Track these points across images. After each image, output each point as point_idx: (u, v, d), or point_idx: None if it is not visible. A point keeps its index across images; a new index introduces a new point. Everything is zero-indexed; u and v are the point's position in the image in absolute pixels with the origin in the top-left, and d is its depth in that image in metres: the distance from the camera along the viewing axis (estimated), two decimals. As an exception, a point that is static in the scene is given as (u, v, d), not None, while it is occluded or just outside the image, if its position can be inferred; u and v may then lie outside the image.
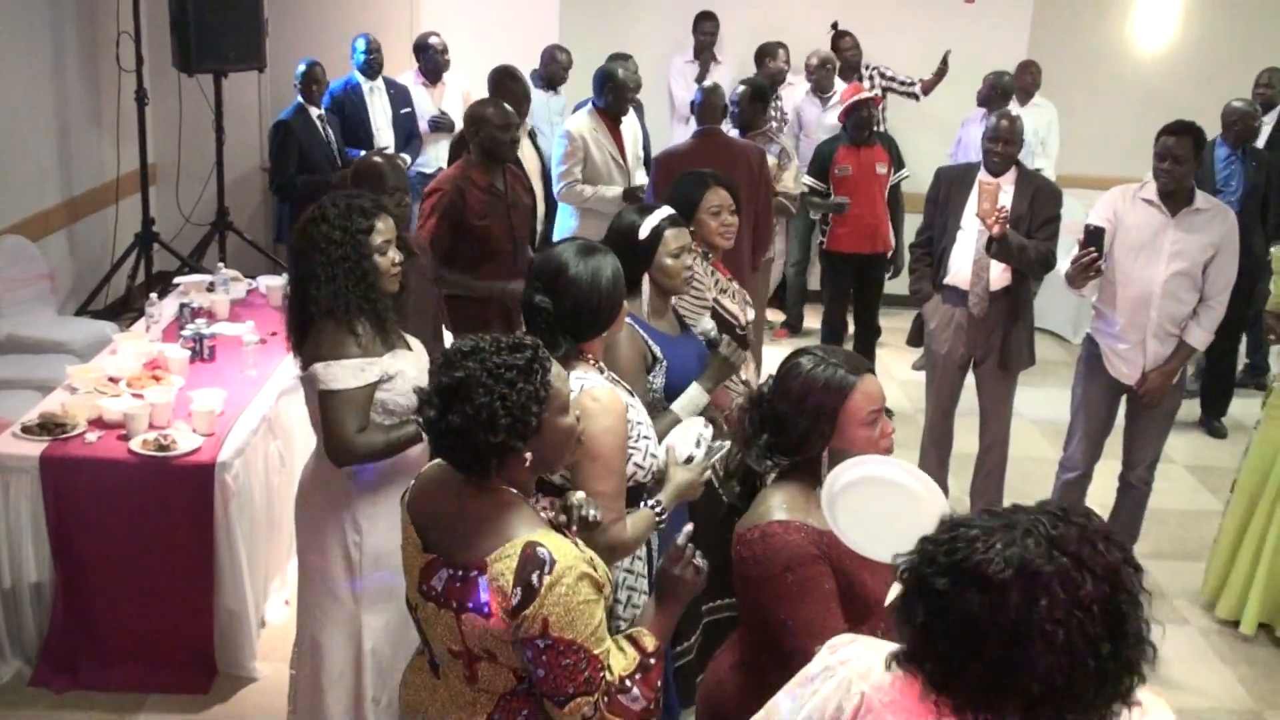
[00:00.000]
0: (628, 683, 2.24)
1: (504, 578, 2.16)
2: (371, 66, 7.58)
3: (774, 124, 7.39)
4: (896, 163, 6.98)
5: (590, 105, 6.66)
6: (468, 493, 2.30)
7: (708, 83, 6.62)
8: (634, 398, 3.10)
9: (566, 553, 2.19)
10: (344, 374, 3.15)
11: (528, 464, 2.27)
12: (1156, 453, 5.13)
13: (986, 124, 5.34)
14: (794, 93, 8.37)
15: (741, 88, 6.72)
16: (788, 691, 1.96)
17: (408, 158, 7.45)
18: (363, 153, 7.04)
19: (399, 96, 7.71)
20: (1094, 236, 4.70)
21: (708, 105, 6.33)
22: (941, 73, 8.06)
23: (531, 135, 6.52)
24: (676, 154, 6.25)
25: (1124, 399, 5.08)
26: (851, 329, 7.37)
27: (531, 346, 2.29)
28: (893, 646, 1.83)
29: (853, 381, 2.51)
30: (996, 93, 7.76)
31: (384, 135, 7.57)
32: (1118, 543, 1.71)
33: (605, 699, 2.22)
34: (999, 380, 5.39)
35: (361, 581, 3.32)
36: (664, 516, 2.93)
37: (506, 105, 5.19)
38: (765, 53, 8.28)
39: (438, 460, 2.41)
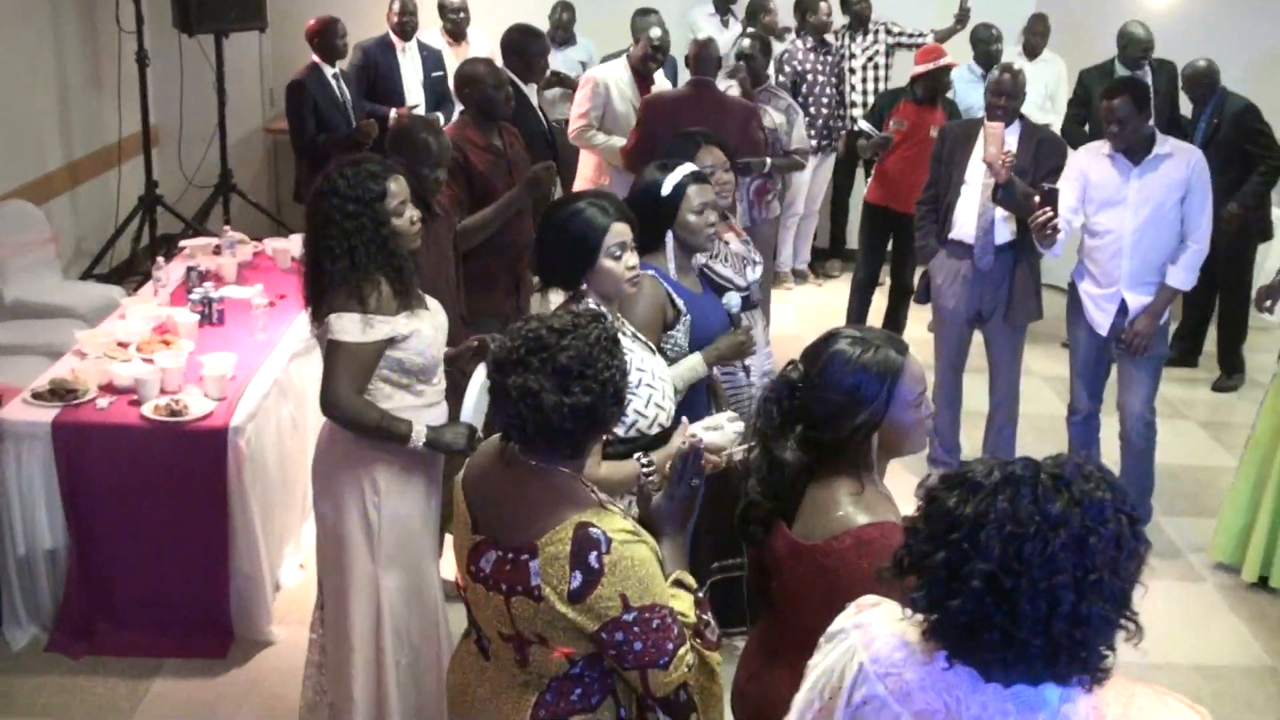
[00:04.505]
0: (705, 617, 2.29)
1: (558, 562, 2.12)
2: (404, 29, 7.45)
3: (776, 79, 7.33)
4: None
5: (625, 56, 6.62)
6: (520, 474, 2.25)
7: (702, 36, 6.55)
8: (648, 350, 3.09)
9: (618, 526, 2.17)
10: (351, 326, 3.14)
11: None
12: (1146, 402, 5.12)
13: (989, 78, 5.35)
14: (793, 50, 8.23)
15: (747, 41, 6.67)
16: (816, 649, 1.92)
17: (440, 116, 7.39)
18: (394, 112, 6.95)
19: (431, 59, 7.59)
20: (1050, 196, 4.75)
21: (702, 57, 6.25)
22: (962, 21, 7.95)
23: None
24: (666, 99, 6.20)
25: (1114, 348, 5.11)
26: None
27: (603, 317, 2.31)
28: (908, 620, 1.79)
29: (901, 363, 2.36)
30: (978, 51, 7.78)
31: (414, 97, 7.46)
32: (1117, 488, 1.68)
33: (698, 640, 2.25)
34: (1007, 334, 5.43)
35: (379, 541, 3.31)
36: (650, 475, 2.88)
37: (496, 63, 5.13)
38: (759, 7, 8.18)
39: (492, 439, 2.38)
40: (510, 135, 5.13)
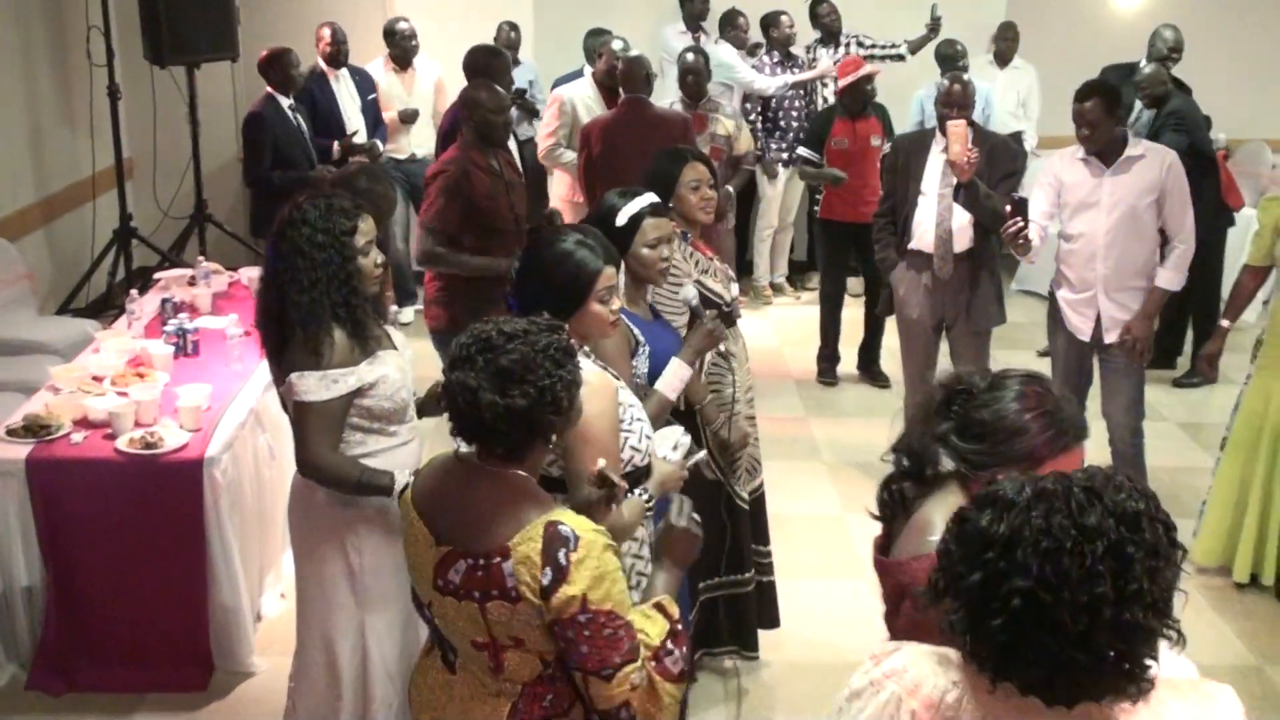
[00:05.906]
0: (669, 644, 2.28)
1: (530, 560, 2.16)
2: (336, 58, 7.53)
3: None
4: (889, 134, 6.96)
5: (590, 74, 6.68)
6: (479, 479, 2.30)
7: (634, 52, 6.60)
8: (622, 382, 3.07)
9: (586, 527, 2.22)
10: (316, 386, 3.09)
11: (551, 444, 2.32)
12: (1132, 411, 5.12)
13: (939, 87, 5.39)
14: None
15: (690, 56, 6.81)
16: (835, 712, 1.85)
17: (379, 143, 7.47)
18: (336, 144, 7.08)
19: (363, 83, 7.68)
20: (1019, 206, 4.77)
21: (631, 74, 6.26)
22: (934, 28, 8.00)
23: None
24: (599, 121, 6.24)
25: (1096, 359, 5.12)
26: (849, 301, 7.34)
27: (561, 329, 2.35)
28: (941, 650, 1.76)
29: (1070, 447, 2.25)
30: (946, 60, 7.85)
31: (354, 123, 7.52)
32: (1150, 496, 1.67)
33: (654, 663, 2.25)
34: (971, 341, 5.47)
35: (362, 585, 3.27)
36: (651, 504, 2.91)
37: (499, 88, 5.15)
38: (729, 21, 8.27)
39: (436, 455, 2.42)
40: (505, 159, 5.18)
